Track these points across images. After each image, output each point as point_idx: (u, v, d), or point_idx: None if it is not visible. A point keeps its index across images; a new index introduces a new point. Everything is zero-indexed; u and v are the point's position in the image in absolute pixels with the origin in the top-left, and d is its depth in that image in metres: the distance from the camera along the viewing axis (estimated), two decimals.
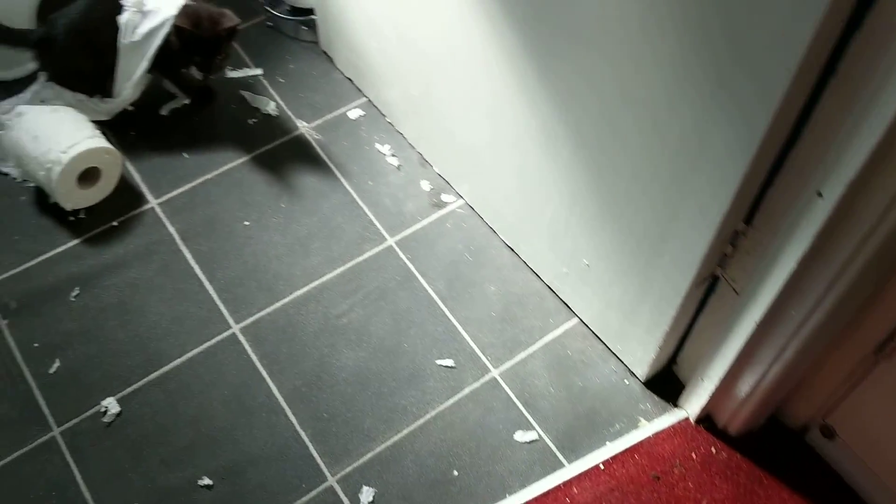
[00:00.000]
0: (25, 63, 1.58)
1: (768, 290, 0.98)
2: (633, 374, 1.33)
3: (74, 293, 1.39)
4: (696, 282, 1.08)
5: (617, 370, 1.34)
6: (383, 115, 1.61)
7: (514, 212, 1.38)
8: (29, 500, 1.20)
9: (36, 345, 1.34)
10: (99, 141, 1.42)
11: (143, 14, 1.42)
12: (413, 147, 1.57)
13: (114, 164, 1.45)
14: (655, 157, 1.00)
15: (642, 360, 1.28)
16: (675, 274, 1.09)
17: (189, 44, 1.42)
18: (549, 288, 1.41)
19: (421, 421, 1.29)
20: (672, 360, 1.31)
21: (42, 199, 1.48)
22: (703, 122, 0.89)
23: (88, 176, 1.43)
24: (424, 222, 1.49)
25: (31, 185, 1.48)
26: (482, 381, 1.33)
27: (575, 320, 1.39)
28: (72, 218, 1.46)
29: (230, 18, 1.43)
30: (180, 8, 1.41)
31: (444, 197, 1.52)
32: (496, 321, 1.39)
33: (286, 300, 1.40)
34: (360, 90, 1.64)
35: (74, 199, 1.44)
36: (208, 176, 1.53)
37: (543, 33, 1.05)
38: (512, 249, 1.45)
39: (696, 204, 0.98)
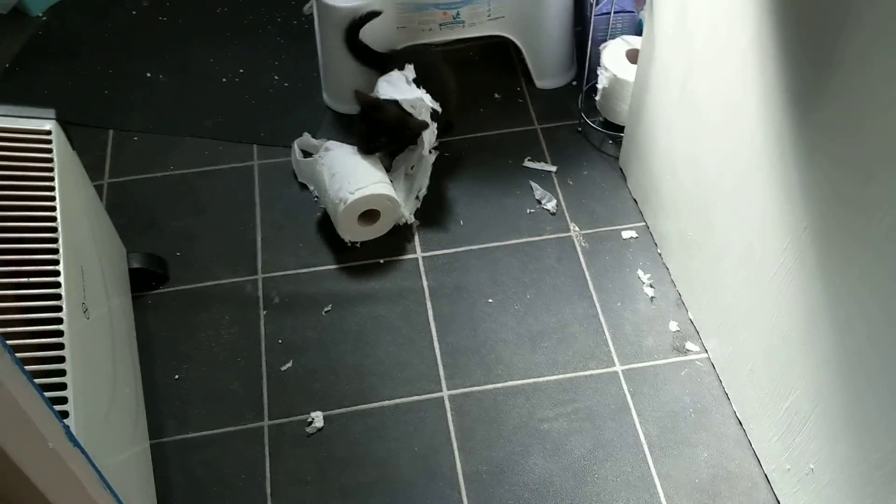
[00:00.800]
0: None
1: None
2: None
3: (327, 308, 1.53)
4: None
5: None
6: (655, 244, 1.60)
7: (756, 387, 1.30)
8: (221, 473, 1.33)
9: (280, 341, 1.49)
10: (384, 188, 1.57)
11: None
12: (674, 284, 1.54)
13: (392, 209, 1.59)
14: None
15: None
16: None
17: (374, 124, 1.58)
18: (766, 478, 1.30)
19: None
20: None
21: (330, 222, 1.65)
22: None
23: (369, 215, 1.58)
24: (659, 362, 1.45)
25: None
26: None
27: None
28: (349, 244, 1.62)
29: (417, 123, 1.58)
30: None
31: (689, 345, 1.47)
32: (697, 490, 1.30)
33: (499, 385, 1.43)
34: (640, 213, 1.65)
35: (353, 232, 1.59)
36: (472, 247, 1.61)
37: (849, 231, 1.00)
38: (740, 423, 1.37)
39: None
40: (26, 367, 0.97)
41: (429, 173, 1.66)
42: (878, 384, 0.99)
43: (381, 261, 1.60)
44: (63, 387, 0.98)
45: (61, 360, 1.01)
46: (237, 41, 2.01)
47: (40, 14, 2.07)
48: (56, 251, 1.11)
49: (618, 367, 1.44)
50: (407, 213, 1.63)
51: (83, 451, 0.74)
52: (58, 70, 1.95)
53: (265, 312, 1.53)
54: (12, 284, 1.05)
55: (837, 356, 1.05)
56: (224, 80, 1.92)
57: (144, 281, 1.55)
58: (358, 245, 1.62)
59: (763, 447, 1.31)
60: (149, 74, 1.94)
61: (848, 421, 1.06)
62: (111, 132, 1.83)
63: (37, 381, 0.98)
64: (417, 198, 1.67)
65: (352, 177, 1.56)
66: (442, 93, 1.67)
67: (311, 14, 2.01)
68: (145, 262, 1.53)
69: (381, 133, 1.59)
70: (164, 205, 1.69)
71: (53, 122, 1.25)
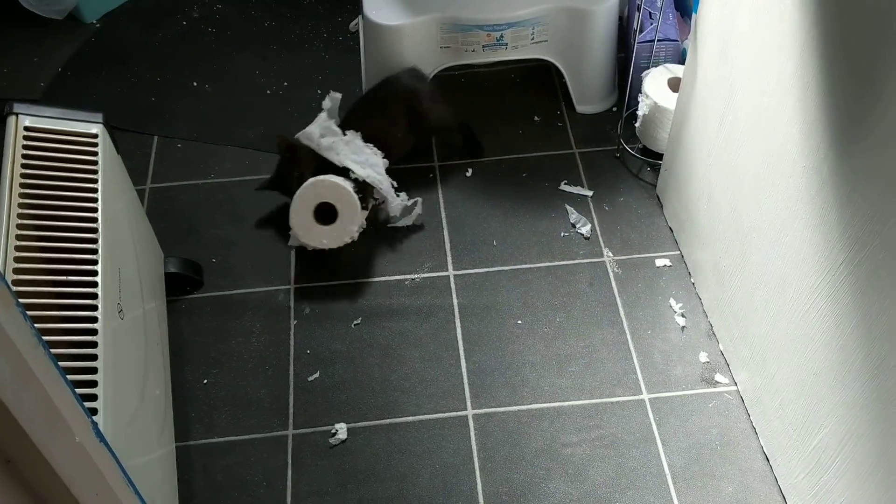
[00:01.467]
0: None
1: None
2: None
3: (357, 321, 1.55)
4: None
5: None
6: (689, 273, 1.59)
7: (784, 422, 1.28)
8: (243, 479, 1.34)
9: (308, 351, 1.50)
10: (344, 182, 1.53)
11: None
12: (706, 315, 1.53)
13: (352, 210, 1.53)
14: None
15: None
16: None
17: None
18: None
19: None
20: None
21: (367, 236, 1.66)
22: None
23: (327, 214, 1.54)
24: (687, 392, 1.43)
25: None
26: None
27: None
28: (308, 249, 1.62)
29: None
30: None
31: (718, 377, 1.45)
32: None
33: (524, 407, 1.42)
34: (675, 242, 1.64)
35: (306, 230, 1.55)
36: (504, 268, 1.62)
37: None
38: (767, 459, 1.34)
39: None
40: (59, 363, 1.00)
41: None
42: None
43: (414, 277, 1.61)
44: (94, 384, 1.01)
45: (94, 357, 1.03)
46: (283, 54, 2.05)
47: (94, 21, 2.13)
48: (95, 251, 1.13)
49: (645, 396, 1.43)
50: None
51: (109, 448, 0.75)
52: (108, 76, 2.00)
53: (295, 322, 1.54)
54: (52, 282, 1.08)
55: (869, 396, 1.03)
56: (268, 91, 1.96)
57: (180, 286, 1.58)
58: (309, 248, 1.59)
59: (789, 484, 1.29)
60: (195, 84, 1.98)
61: (878, 462, 1.04)
62: (156, 138, 1.87)
63: (69, 377, 1.01)
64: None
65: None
66: (417, 121, 1.70)
67: (357, 31, 2.04)
68: (181, 267, 1.56)
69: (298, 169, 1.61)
70: (203, 212, 1.72)
71: (100, 125, 1.28)
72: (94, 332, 1.05)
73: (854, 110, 0.99)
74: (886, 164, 0.94)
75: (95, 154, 1.25)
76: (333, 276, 1.61)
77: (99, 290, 1.10)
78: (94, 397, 0.99)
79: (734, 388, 1.43)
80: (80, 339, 1.04)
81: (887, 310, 0.97)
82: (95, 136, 1.27)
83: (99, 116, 1.29)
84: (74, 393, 0.69)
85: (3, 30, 2.09)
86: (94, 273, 1.11)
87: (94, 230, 1.16)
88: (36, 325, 0.99)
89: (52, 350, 1.03)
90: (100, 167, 1.24)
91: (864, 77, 0.96)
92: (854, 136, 0.99)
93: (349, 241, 1.57)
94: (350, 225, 1.55)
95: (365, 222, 1.60)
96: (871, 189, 0.97)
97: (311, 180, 1.54)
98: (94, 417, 0.97)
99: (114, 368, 1.06)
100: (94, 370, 1.02)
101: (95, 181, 1.22)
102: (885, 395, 1.01)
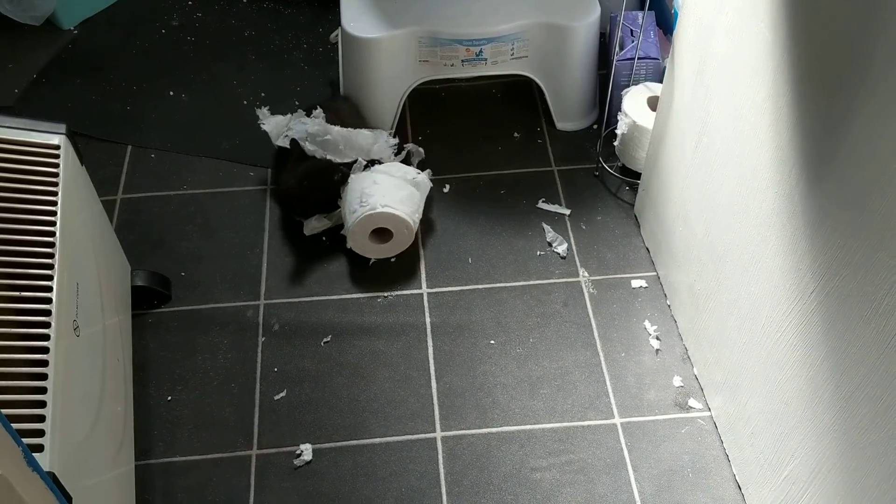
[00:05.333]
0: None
1: None
2: None
3: (326, 339, 1.52)
4: None
5: None
6: (665, 295, 1.57)
7: (756, 451, 1.26)
8: (205, 500, 1.31)
9: (276, 369, 1.47)
10: (406, 210, 1.57)
11: None
12: (681, 338, 1.50)
13: (406, 235, 1.59)
14: None
15: None
16: None
17: None
18: None
19: None
20: None
21: (338, 251, 1.64)
22: None
23: (383, 233, 1.58)
24: (659, 417, 1.41)
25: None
26: None
27: None
28: (364, 258, 1.62)
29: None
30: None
31: (692, 401, 1.43)
32: None
33: (493, 430, 1.39)
34: (652, 263, 1.62)
35: (361, 244, 1.59)
36: (479, 286, 1.59)
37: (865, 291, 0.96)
38: (739, 487, 1.32)
39: None
40: (9, 382, 0.97)
41: None
42: (878, 463, 0.95)
43: (386, 294, 1.58)
44: (42, 404, 0.97)
45: (44, 377, 1.00)
46: (262, 64, 2.02)
47: (72, 28, 2.10)
48: (51, 266, 1.10)
49: (617, 420, 1.41)
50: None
51: (43, 476, 0.72)
52: (83, 83, 1.97)
53: (263, 339, 1.52)
54: (3, 297, 1.05)
55: (838, 428, 1.01)
56: (245, 102, 1.93)
57: (147, 299, 1.55)
58: (371, 261, 1.63)
59: None
60: (171, 93, 1.95)
61: (847, 495, 1.01)
62: (129, 148, 1.84)
63: (16, 396, 0.98)
64: None
65: (386, 193, 1.56)
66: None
67: (337, 42, 2.02)
68: (149, 281, 1.53)
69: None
70: (175, 224, 1.69)
71: (63, 136, 1.25)
72: (45, 350, 1.02)
73: (824, 138, 0.97)
74: (856, 192, 0.92)
75: (56, 166, 1.22)
76: (304, 292, 1.58)
77: (53, 307, 1.07)
78: (41, 418, 0.96)
79: (708, 413, 1.41)
80: (31, 358, 1.01)
81: (856, 341, 0.95)
82: (57, 147, 1.24)
83: (62, 127, 1.27)
84: (3, 421, 0.66)
85: None
86: (49, 289, 1.08)
87: (52, 244, 1.13)
88: None
89: (3, 368, 1.00)
90: (60, 179, 1.21)
91: (834, 104, 0.94)
92: (825, 163, 0.98)
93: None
94: (403, 245, 1.62)
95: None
96: (841, 217, 0.96)
97: (366, 214, 1.54)
98: (40, 440, 0.94)
99: (65, 387, 1.03)
100: (43, 390, 0.99)
101: (55, 193, 1.19)
102: (855, 428, 0.99)
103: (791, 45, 1.02)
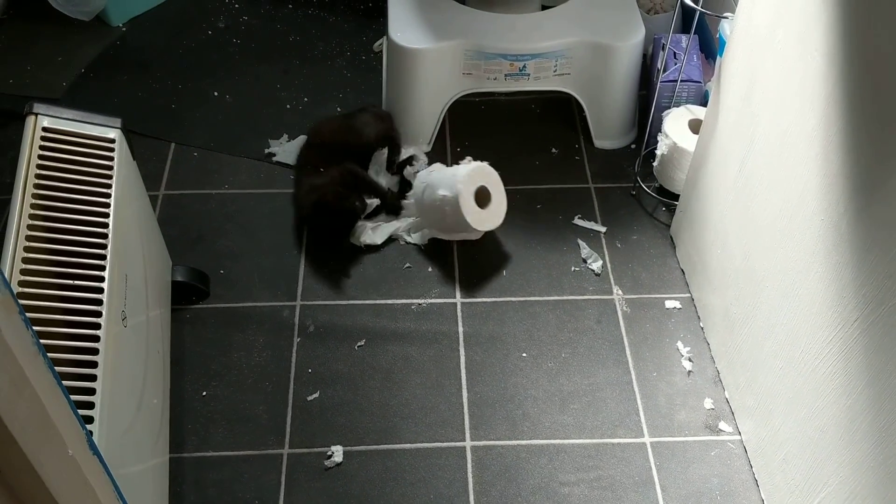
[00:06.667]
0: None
1: None
2: None
3: (360, 342, 1.53)
4: None
5: None
6: (698, 317, 1.57)
7: (787, 477, 1.26)
8: (235, 495, 1.33)
9: (310, 370, 1.49)
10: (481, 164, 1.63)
11: None
12: (713, 361, 1.51)
13: (499, 186, 1.65)
14: None
15: None
16: None
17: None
18: None
19: None
20: None
21: (373, 257, 1.65)
22: None
23: (482, 198, 1.62)
24: (689, 438, 1.41)
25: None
26: None
27: None
28: (476, 232, 1.64)
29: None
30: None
31: (722, 424, 1.43)
32: None
33: (523, 442, 1.40)
34: (686, 285, 1.62)
35: (476, 215, 1.60)
36: (513, 298, 1.60)
37: None
38: None
39: None
40: (60, 368, 0.99)
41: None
42: None
43: (421, 301, 1.60)
44: (92, 392, 1.00)
45: (94, 365, 1.02)
46: (305, 70, 2.05)
47: (121, 25, 2.14)
48: (104, 257, 1.13)
49: (646, 439, 1.41)
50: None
51: (101, 461, 0.74)
52: (130, 80, 2.01)
53: (298, 340, 1.53)
54: (58, 285, 1.07)
55: (876, 458, 1.01)
56: (288, 106, 1.96)
57: (186, 295, 1.57)
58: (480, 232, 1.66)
59: None
60: (216, 93, 1.98)
61: None
62: (173, 145, 1.87)
63: (67, 383, 1.00)
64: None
65: (442, 180, 1.61)
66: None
67: (381, 51, 2.04)
68: (188, 277, 1.55)
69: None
70: (215, 222, 1.72)
71: (118, 130, 1.28)
72: (96, 338, 1.05)
73: (875, 167, 0.98)
74: None
75: (111, 159, 1.25)
76: (340, 296, 1.60)
77: (104, 297, 1.09)
78: (91, 405, 0.98)
79: (738, 437, 1.41)
80: (81, 346, 1.03)
81: None
82: (113, 140, 1.27)
83: (117, 121, 1.29)
84: (71, 404, 0.68)
85: (30, 28, 2.11)
86: (101, 279, 1.10)
87: (105, 235, 1.15)
88: (38, 330, 0.99)
89: (52, 354, 1.03)
90: (115, 172, 1.23)
91: (888, 135, 0.95)
92: (875, 191, 0.98)
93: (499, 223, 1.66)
94: (502, 205, 1.65)
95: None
96: (889, 248, 0.96)
97: (467, 169, 1.59)
98: (89, 427, 0.96)
99: (113, 376, 1.05)
100: (93, 377, 1.01)
101: (109, 186, 1.21)
102: (892, 459, 0.99)
103: (845, 76, 1.02)
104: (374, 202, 1.70)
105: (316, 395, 1.46)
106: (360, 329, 1.55)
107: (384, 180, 1.76)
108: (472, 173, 1.59)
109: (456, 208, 1.56)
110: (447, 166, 1.70)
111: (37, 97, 1.91)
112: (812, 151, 1.11)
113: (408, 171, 1.78)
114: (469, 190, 1.58)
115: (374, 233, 1.67)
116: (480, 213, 1.61)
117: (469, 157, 1.71)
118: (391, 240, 1.69)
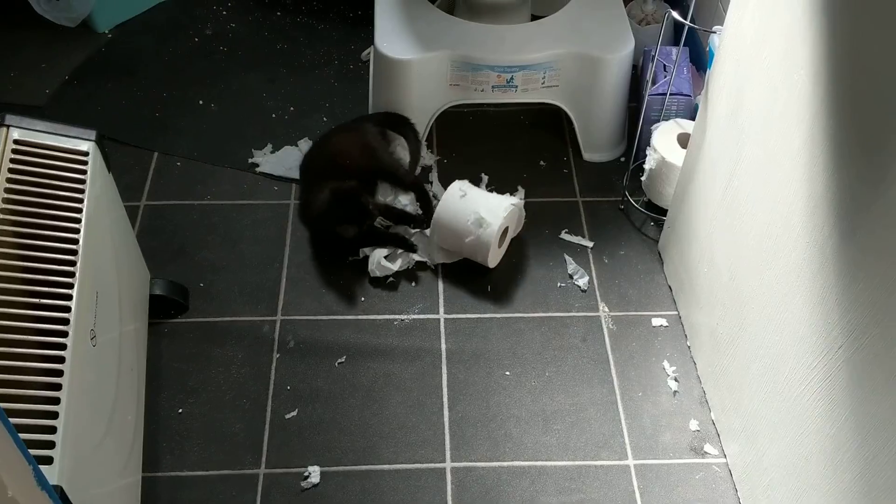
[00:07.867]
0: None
1: None
2: None
3: (341, 359, 1.51)
4: None
5: None
6: (685, 336, 1.54)
7: (771, 502, 1.23)
8: None
9: (288, 388, 1.46)
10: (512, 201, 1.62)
11: None
12: (700, 381, 1.48)
13: (519, 226, 1.69)
14: None
15: None
16: None
17: None
18: None
19: None
20: None
21: (358, 271, 1.62)
22: None
23: (503, 235, 1.62)
24: (674, 461, 1.38)
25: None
26: None
27: None
28: (489, 268, 1.64)
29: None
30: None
31: (708, 447, 1.40)
32: None
33: (504, 463, 1.37)
34: (674, 302, 1.60)
35: (496, 255, 1.62)
36: (496, 315, 1.58)
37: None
38: None
39: None
40: (24, 391, 0.96)
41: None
42: None
43: (404, 317, 1.57)
44: (55, 415, 0.97)
45: (58, 387, 0.99)
46: (292, 78, 2.03)
47: (106, 31, 2.12)
48: (73, 274, 1.10)
49: (630, 461, 1.38)
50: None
51: (52, 496, 0.72)
52: (114, 87, 1.98)
53: (278, 356, 1.51)
54: (24, 304, 1.05)
55: (861, 489, 0.99)
56: (273, 115, 1.93)
57: (164, 308, 1.54)
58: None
59: None
60: (201, 102, 1.96)
61: None
62: (156, 154, 1.84)
63: (29, 406, 0.97)
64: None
65: (486, 202, 1.60)
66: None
67: (368, 60, 2.02)
68: (167, 290, 1.53)
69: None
70: (196, 233, 1.69)
71: (92, 143, 1.26)
72: (60, 359, 1.02)
73: (860, 190, 0.95)
74: (890, 248, 0.90)
75: (84, 172, 1.22)
76: (322, 310, 1.58)
77: (71, 316, 1.06)
78: (53, 429, 0.96)
79: (723, 460, 1.38)
80: (46, 367, 1.01)
81: (883, 401, 0.93)
82: (86, 153, 1.24)
83: (92, 133, 1.27)
84: (16, 439, 0.65)
85: (13, 33, 2.08)
86: (69, 297, 1.08)
87: (74, 252, 1.13)
88: (2, 351, 0.96)
89: (17, 376, 1.00)
90: (87, 186, 1.21)
91: (873, 158, 0.93)
92: (860, 215, 0.96)
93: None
94: (505, 247, 1.67)
95: None
96: (874, 274, 0.94)
97: (512, 205, 1.60)
98: (50, 452, 0.94)
99: (78, 398, 1.02)
100: (56, 400, 0.98)
101: (81, 201, 1.19)
102: (876, 490, 0.96)
103: (831, 97, 1.00)
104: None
105: (294, 413, 1.43)
106: (341, 345, 1.53)
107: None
108: (513, 212, 1.61)
109: (487, 235, 1.55)
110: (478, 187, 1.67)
111: (19, 104, 1.90)
112: (797, 173, 1.08)
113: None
114: (503, 225, 1.57)
115: (387, 261, 1.62)
116: (497, 249, 1.61)
117: (521, 191, 1.77)
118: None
